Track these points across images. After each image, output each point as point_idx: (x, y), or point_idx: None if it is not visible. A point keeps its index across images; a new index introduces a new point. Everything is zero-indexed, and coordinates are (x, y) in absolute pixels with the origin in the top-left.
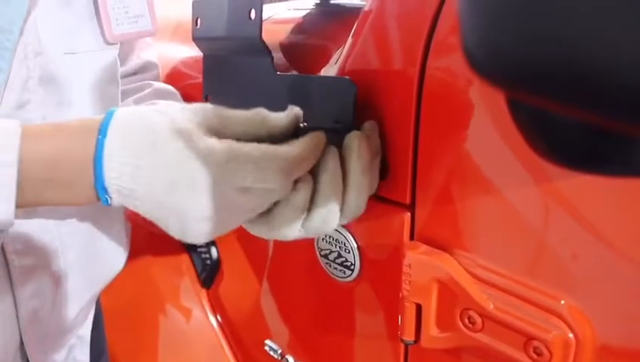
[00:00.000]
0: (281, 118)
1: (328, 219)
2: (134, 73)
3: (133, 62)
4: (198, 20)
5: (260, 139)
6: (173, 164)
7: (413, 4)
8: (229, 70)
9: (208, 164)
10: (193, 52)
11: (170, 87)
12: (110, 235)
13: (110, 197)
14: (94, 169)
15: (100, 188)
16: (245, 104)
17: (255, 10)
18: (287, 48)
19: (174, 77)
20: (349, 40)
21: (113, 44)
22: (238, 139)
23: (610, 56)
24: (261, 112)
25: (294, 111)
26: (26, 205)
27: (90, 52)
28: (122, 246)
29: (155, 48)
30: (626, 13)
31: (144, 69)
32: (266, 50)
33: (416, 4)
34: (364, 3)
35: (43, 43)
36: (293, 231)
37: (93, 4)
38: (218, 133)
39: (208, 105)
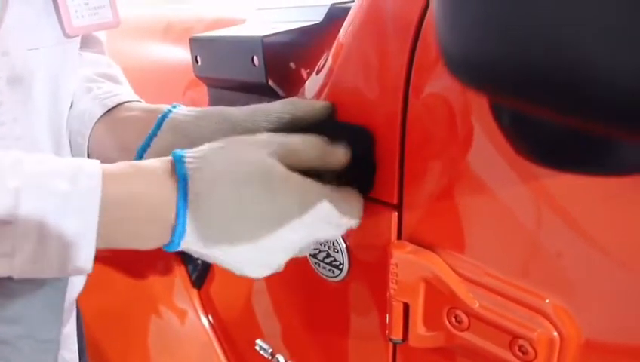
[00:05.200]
0: (342, 155)
1: None
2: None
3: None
4: (198, 58)
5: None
6: (263, 202)
7: (399, 7)
8: (236, 105)
9: (301, 200)
10: (185, 53)
11: (106, 58)
12: None
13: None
14: (176, 211)
15: (177, 233)
16: None
17: (257, 57)
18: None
19: None
20: (333, 47)
21: (73, 37)
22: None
23: (592, 62)
24: (323, 148)
25: (346, 151)
26: (99, 248)
27: (52, 47)
28: None
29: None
30: (606, 20)
31: (87, 44)
32: (275, 93)
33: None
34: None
35: (8, 42)
36: None
37: None
38: (283, 162)
39: (270, 137)
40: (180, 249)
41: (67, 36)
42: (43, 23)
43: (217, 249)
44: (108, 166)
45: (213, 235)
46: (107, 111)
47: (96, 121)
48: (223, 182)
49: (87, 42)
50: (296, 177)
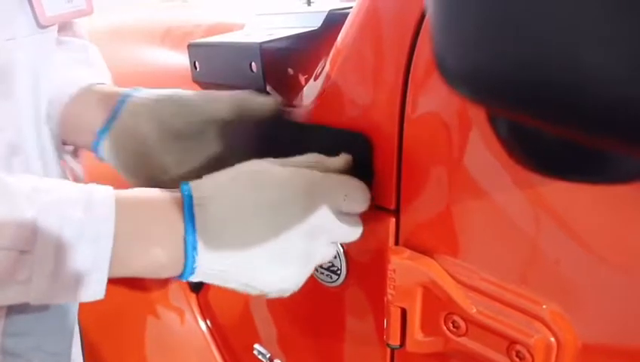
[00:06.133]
0: (339, 162)
1: None
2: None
3: None
4: (197, 63)
5: None
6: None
7: (396, 13)
8: None
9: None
10: (184, 58)
11: (84, 42)
12: None
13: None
14: (185, 233)
15: (189, 262)
16: (255, 143)
17: (255, 63)
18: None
19: None
20: (331, 53)
21: (48, 26)
22: None
23: (590, 73)
24: (318, 159)
25: (347, 158)
26: (114, 276)
27: (28, 36)
28: None
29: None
30: (601, 34)
31: (62, 28)
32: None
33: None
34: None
35: None
36: None
37: None
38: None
39: (291, 173)
40: (193, 277)
41: (41, 26)
42: (17, 14)
43: (231, 270)
44: (121, 193)
45: (226, 252)
46: (74, 96)
47: (63, 106)
48: (235, 214)
49: (62, 27)
50: (312, 220)
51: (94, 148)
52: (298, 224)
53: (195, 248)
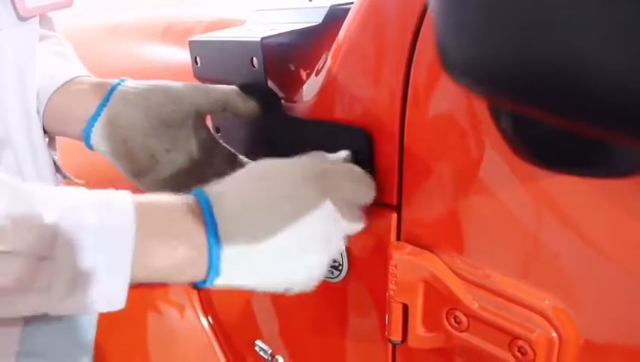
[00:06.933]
0: (339, 159)
1: None
2: None
3: None
4: (198, 59)
5: None
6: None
7: (398, 7)
8: None
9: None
10: (185, 54)
11: (60, 36)
12: None
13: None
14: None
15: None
16: (255, 138)
17: (257, 58)
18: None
19: None
20: (333, 48)
21: (28, 18)
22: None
23: (595, 63)
24: (357, 181)
25: (347, 154)
26: (136, 281)
27: (8, 29)
28: None
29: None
30: (602, 27)
31: (41, 21)
32: (274, 95)
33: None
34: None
35: None
36: None
37: None
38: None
39: (309, 161)
40: (218, 279)
41: (21, 18)
42: None
43: (254, 264)
44: (138, 197)
45: (249, 245)
46: (62, 87)
47: (49, 97)
48: (250, 207)
49: (41, 19)
50: (328, 204)
51: (85, 136)
52: (315, 208)
53: (218, 242)
